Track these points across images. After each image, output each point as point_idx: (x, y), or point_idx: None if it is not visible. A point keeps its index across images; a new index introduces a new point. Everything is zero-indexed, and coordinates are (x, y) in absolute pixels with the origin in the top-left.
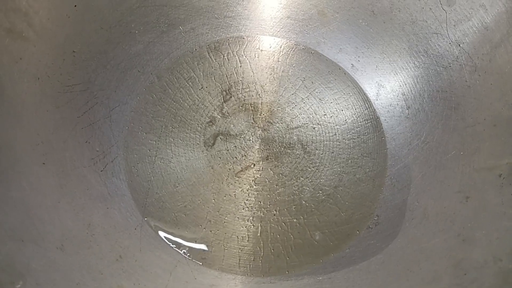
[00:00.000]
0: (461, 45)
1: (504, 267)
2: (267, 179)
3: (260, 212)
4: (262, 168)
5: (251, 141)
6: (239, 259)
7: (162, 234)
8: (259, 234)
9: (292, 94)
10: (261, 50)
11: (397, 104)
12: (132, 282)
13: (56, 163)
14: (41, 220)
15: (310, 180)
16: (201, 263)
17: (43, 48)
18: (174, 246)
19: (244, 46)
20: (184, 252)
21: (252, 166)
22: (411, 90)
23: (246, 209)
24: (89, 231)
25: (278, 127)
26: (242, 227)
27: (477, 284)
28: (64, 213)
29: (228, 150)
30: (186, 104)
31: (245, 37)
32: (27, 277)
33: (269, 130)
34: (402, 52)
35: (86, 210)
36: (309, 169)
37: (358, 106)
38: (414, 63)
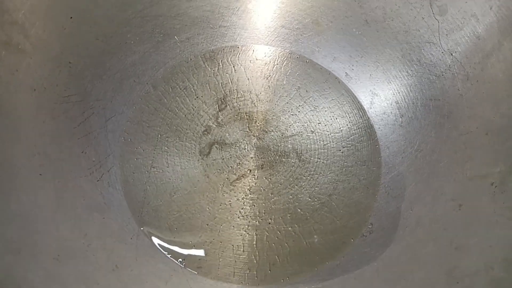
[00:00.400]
0: (453, 54)
1: (496, 275)
2: (262, 187)
3: (256, 221)
4: (257, 176)
5: (246, 150)
6: (235, 268)
7: (157, 243)
8: (254, 243)
9: (287, 103)
10: (256, 59)
11: (391, 113)
12: None
13: (52, 174)
14: (38, 231)
15: (305, 189)
16: (196, 272)
17: (40, 60)
18: (170, 255)
19: (239, 55)
20: (180, 261)
21: (247, 174)
22: (404, 99)
23: (242, 217)
24: (86, 241)
25: (273, 135)
26: (238, 236)
27: None
28: (60, 224)
29: (223, 159)
30: (181, 114)
31: (240, 46)
32: (24, 287)
33: (264, 138)
34: (396, 60)
35: (83, 220)
36: (304, 178)
37: (352, 114)
38: (407, 72)
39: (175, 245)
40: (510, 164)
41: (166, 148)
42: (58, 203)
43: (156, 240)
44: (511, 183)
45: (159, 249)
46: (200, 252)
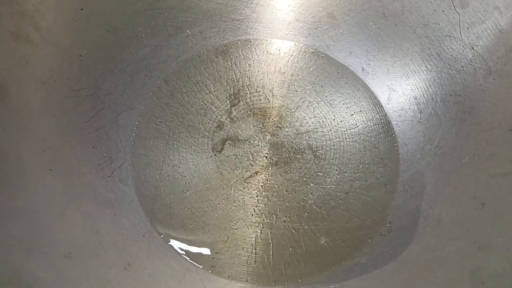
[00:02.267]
0: (475, 48)
1: None
2: (277, 185)
3: (270, 219)
4: (271, 173)
5: (260, 146)
6: (249, 267)
7: (170, 241)
8: (269, 242)
9: (301, 98)
10: (270, 54)
11: (409, 108)
12: None
13: (62, 169)
14: (48, 228)
15: (321, 186)
16: (210, 271)
17: (49, 52)
18: (183, 253)
19: (253, 49)
20: (191, 259)
21: (261, 171)
22: (423, 94)
23: (255, 215)
24: (97, 238)
25: (287, 132)
26: (252, 234)
27: None
28: (71, 221)
29: (236, 155)
30: (193, 109)
31: (253, 40)
32: (35, 286)
33: (278, 135)
34: (414, 55)
35: (94, 217)
36: (319, 175)
37: (369, 110)
38: (426, 67)
39: (188, 243)
40: None
41: (178, 144)
42: (68, 200)
43: (168, 238)
44: None
45: (172, 247)
46: (213, 251)
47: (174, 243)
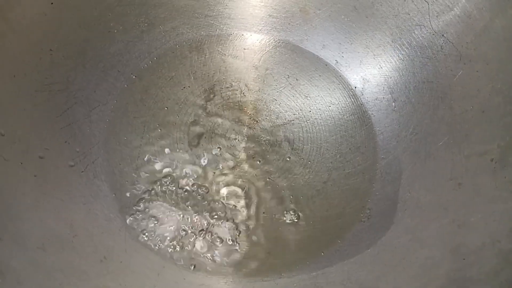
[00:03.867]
0: (445, 35)
1: (504, 247)
2: (255, 177)
3: (248, 211)
4: (249, 166)
5: (237, 140)
6: (229, 259)
7: (146, 236)
8: (249, 233)
9: (277, 92)
10: (244, 49)
11: (383, 98)
12: (118, 283)
13: (34, 162)
14: (20, 218)
15: (299, 177)
16: (191, 268)
17: (19, 45)
18: (158, 247)
19: (227, 44)
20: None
21: (239, 164)
22: (396, 83)
23: (233, 208)
24: (71, 231)
25: (263, 125)
26: (231, 226)
27: (477, 267)
28: (44, 213)
29: (213, 149)
30: (168, 104)
31: (227, 35)
32: (7, 275)
33: (254, 128)
34: (386, 45)
35: (68, 210)
36: (298, 166)
37: (344, 101)
38: (398, 56)
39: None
40: (509, 140)
41: (153, 139)
42: (41, 192)
43: (144, 233)
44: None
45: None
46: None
47: (150, 238)
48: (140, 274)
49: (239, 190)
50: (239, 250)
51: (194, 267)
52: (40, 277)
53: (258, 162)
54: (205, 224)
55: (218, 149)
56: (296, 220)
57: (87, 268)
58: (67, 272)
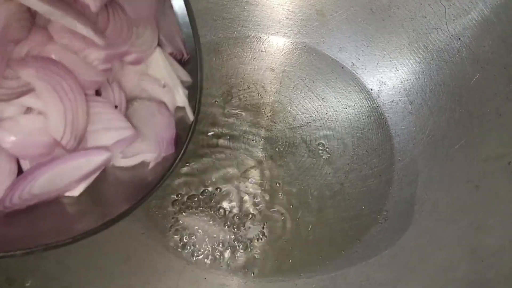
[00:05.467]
0: (461, 39)
1: None
2: (272, 179)
3: (267, 212)
4: (267, 168)
5: (254, 142)
6: (249, 259)
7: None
8: (267, 234)
9: (294, 94)
10: (261, 51)
11: (400, 100)
12: (141, 283)
13: None
14: None
15: (316, 178)
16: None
17: None
18: (180, 249)
19: (244, 47)
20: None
21: (257, 166)
22: (413, 86)
23: (253, 209)
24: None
25: (281, 126)
26: (251, 226)
27: (496, 269)
28: None
29: (232, 151)
30: None
31: (244, 38)
32: (37, 275)
33: (272, 130)
34: (402, 48)
35: None
36: (314, 167)
37: (360, 103)
38: (414, 59)
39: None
40: None
41: None
42: None
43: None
44: None
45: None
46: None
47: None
48: (162, 274)
49: (258, 191)
50: (259, 251)
51: (215, 267)
52: (67, 277)
53: (276, 163)
54: (228, 227)
55: (237, 150)
56: (314, 221)
57: (112, 267)
58: (93, 271)
